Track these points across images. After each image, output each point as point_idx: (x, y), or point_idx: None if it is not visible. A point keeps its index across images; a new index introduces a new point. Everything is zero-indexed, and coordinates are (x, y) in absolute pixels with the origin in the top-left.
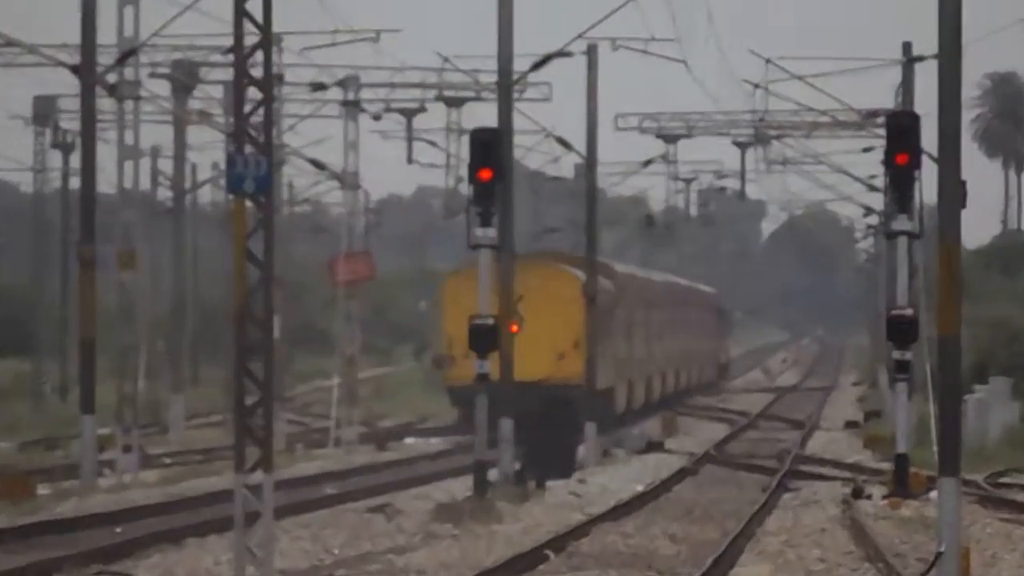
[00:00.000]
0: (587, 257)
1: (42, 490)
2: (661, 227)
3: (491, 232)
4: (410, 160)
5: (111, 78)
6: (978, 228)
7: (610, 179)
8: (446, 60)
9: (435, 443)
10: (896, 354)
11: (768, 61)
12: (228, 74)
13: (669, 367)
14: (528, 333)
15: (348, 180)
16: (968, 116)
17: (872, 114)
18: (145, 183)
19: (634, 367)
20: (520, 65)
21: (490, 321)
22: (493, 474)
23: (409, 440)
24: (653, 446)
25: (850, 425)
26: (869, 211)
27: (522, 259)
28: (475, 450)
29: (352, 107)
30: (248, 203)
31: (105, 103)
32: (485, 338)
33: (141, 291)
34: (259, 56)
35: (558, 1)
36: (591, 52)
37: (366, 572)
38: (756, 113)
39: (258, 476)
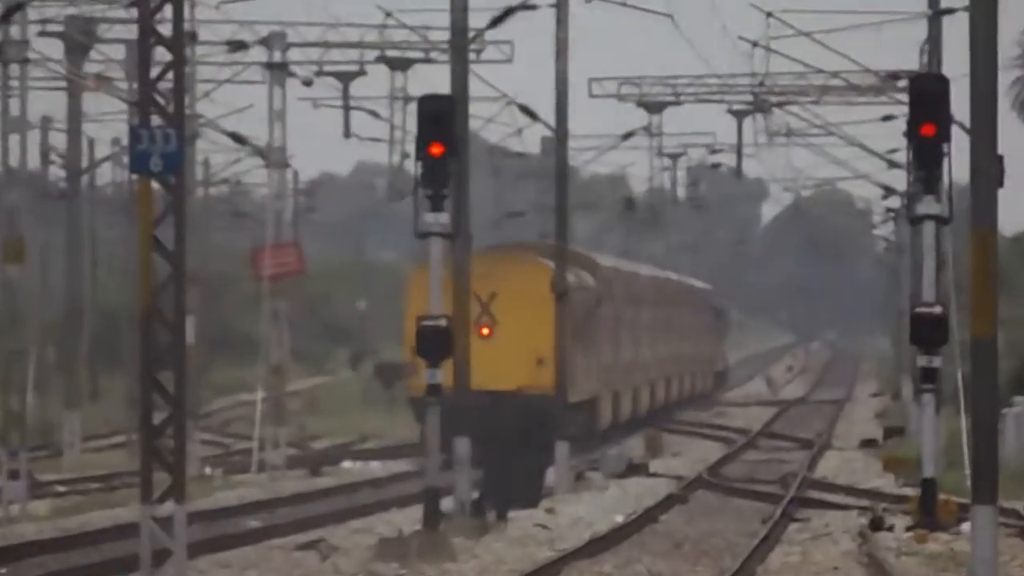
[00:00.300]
0: (557, 246)
1: None
2: (644, 211)
3: (443, 218)
4: (347, 133)
5: None
6: (1018, 211)
7: (584, 155)
8: (388, 15)
9: (378, 467)
10: (922, 360)
11: (769, 15)
12: (131, 32)
13: (659, 376)
14: (503, 336)
15: (274, 157)
16: (1006, 79)
17: (893, 76)
18: (34, 161)
19: (620, 376)
20: (477, 21)
21: (442, 322)
22: (447, 503)
23: (347, 464)
24: (635, 469)
25: (867, 444)
26: (889, 191)
27: (495, 253)
28: (425, 474)
29: (278, 70)
30: (155, 184)
31: None
32: (436, 343)
33: (30, 288)
34: (168, 11)
35: None
36: (560, 5)
37: None
38: (755, 76)
39: (168, 507)
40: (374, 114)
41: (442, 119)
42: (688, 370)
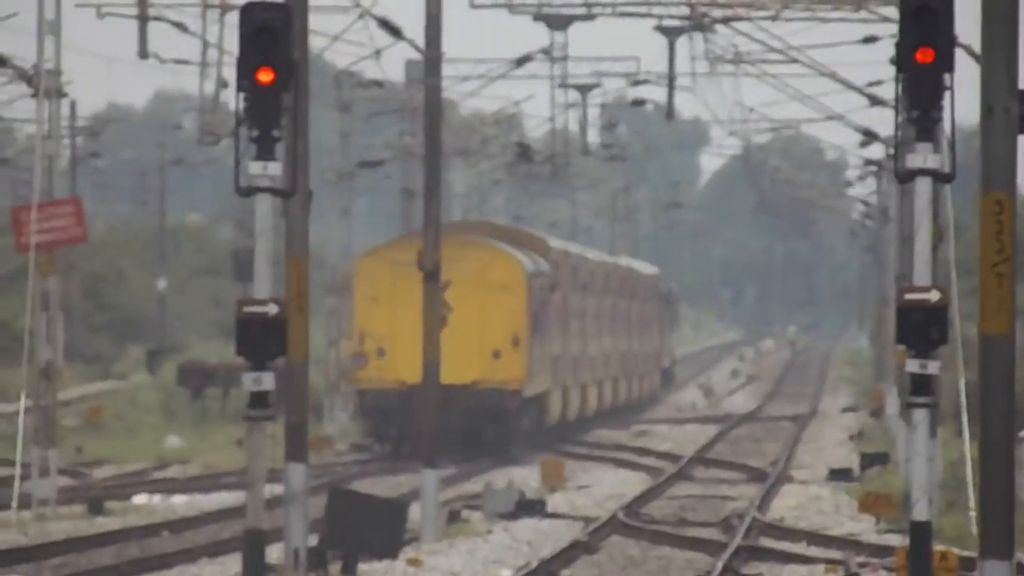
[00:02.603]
0: (427, 207)
1: None
2: (542, 161)
3: (274, 168)
4: (144, 53)
5: None
6: None
7: (463, 86)
8: None
9: (182, 502)
10: (912, 365)
11: None
12: None
13: (607, 371)
14: (456, 327)
15: (44, 82)
16: None
17: None
18: None
19: (570, 370)
20: None
21: (271, 309)
22: (275, 551)
23: (140, 498)
24: (528, 506)
25: (839, 475)
26: (870, 137)
27: (448, 234)
28: (247, 512)
29: None
30: None
31: None
32: (264, 336)
33: None
34: None
35: None
36: None
37: None
38: None
39: None
40: (180, 27)
41: (273, 35)
42: (636, 365)
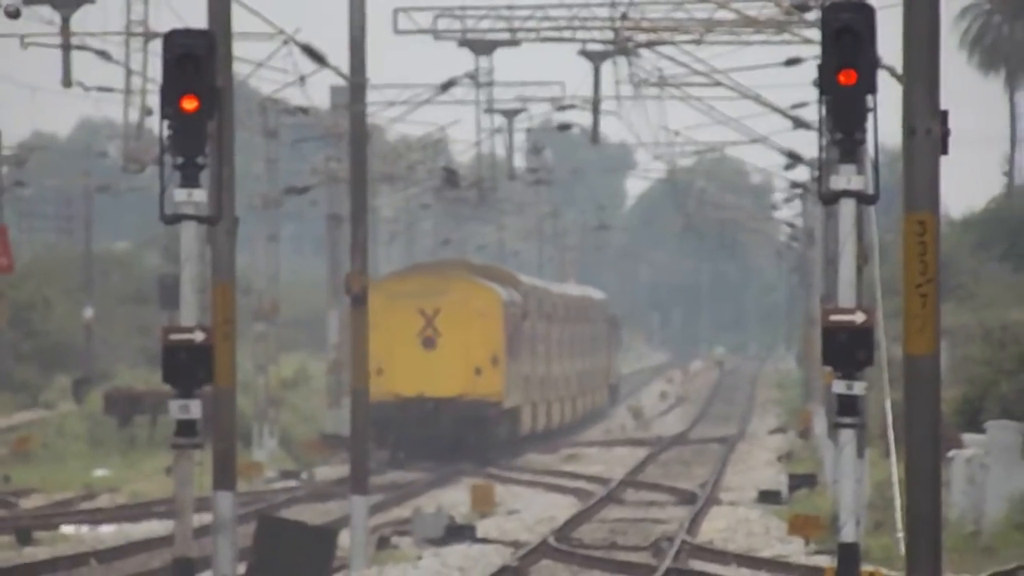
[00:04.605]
0: (353, 233)
1: None
2: (469, 186)
3: (199, 195)
4: (68, 81)
5: None
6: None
7: (389, 111)
8: None
9: (111, 532)
10: (839, 386)
11: None
12: None
13: (567, 388)
14: (445, 348)
15: None
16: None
17: (801, 8)
18: None
19: (538, 387)
20: None
21: (198, 336)
22: None
23: (68, 528)
24: (458, 532)
25: (767, 497)
26: (795, 160)
27: (431, 270)
28: (175, 541)
29: None
30: None
31: None
32: (192, 363)
33: None
34: None
35: None
36: None
37: None
38: (616, 7)
39: None
40: (104, 55)
41: (196, 63)
42: (590, 383)
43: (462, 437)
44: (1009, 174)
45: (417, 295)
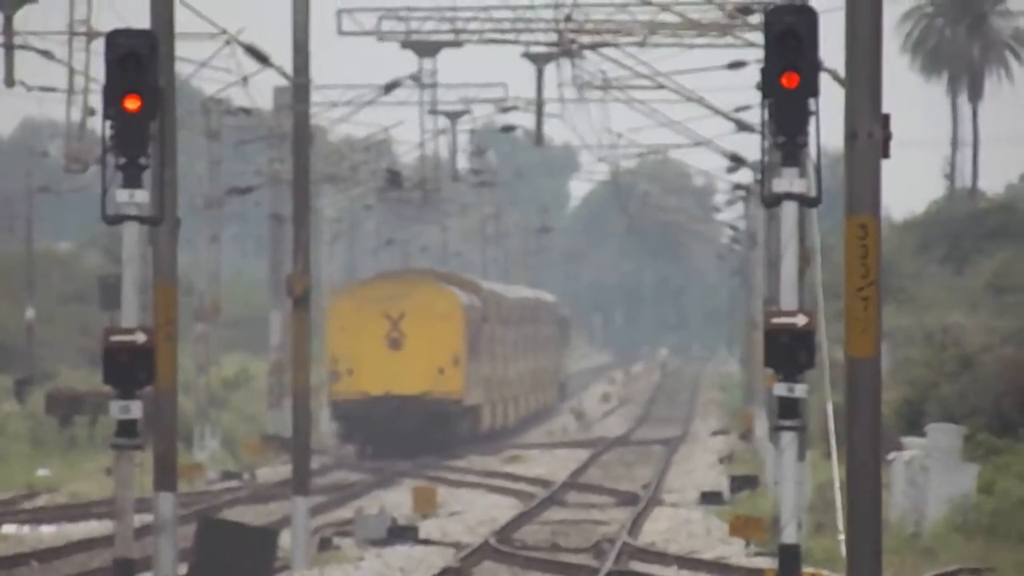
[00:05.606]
0: (296, 233)
1: None
2: (413, 187)
3: (141, 195)
4: (10, 81)
5: None
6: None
7: (332, 112)
8: None
9: (51, 532)
10: (780, 388)
11: None
12: None
13: (522, 386)
14: (410, 349)
15: None
16: (894, 11)
17: (743, 11)
18: None
19: (497, 386)
20: None
21: (140, 338)
22: None
23: (9, 528)
24: (400, 533)
25: (709, 499)
26: (737, 163)
27: (398, 277)
28: (116, 542)
29: None
30: None
31: None
32: (133, 364)
33: None
34: None
35: None
36: None
37: None
38: (560, 9)
39: None
40: (46, 55)
41: (139, 63)
42: (542, 381)
43: (426, 433)
44: (950, 177)
45: (384, 300)
